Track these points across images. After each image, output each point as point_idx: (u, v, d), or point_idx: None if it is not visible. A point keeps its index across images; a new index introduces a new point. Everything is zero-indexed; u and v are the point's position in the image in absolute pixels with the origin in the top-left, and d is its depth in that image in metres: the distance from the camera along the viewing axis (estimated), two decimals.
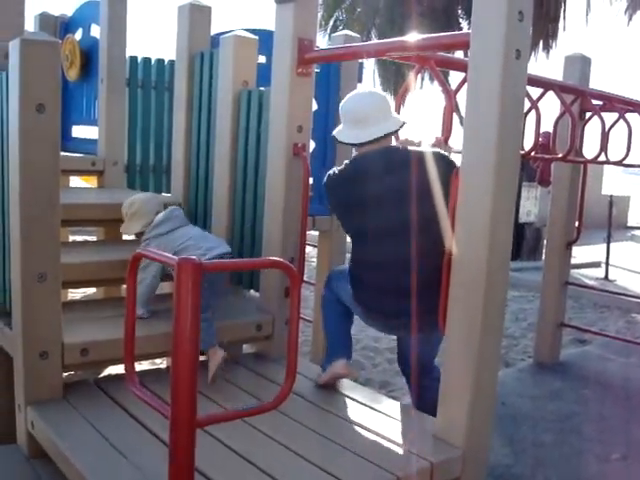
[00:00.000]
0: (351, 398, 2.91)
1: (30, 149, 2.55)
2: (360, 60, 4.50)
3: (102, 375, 3.55)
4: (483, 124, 2.32)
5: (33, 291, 2.62)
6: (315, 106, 4.46)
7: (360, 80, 4.55)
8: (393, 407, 2.85)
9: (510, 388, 4.37)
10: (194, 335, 1.78)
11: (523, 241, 10.27)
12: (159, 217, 3.22)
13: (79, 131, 5.33)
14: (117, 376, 3.07)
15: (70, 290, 4.98)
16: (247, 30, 3.82)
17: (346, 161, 2.90)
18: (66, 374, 2.82)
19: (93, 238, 5.44)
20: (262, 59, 4.24)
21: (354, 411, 2.78)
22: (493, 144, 2.29)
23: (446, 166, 2.67)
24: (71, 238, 5.75)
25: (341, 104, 2.90)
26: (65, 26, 5.23)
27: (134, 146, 4.80)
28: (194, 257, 1.77)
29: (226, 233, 3.62)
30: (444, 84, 2.95)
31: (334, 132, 2.92)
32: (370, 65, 13.45)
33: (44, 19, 5.25)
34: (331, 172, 2.92)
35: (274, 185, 3.30)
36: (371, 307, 2.86)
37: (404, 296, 2.68)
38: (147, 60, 4.77)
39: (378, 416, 2.75)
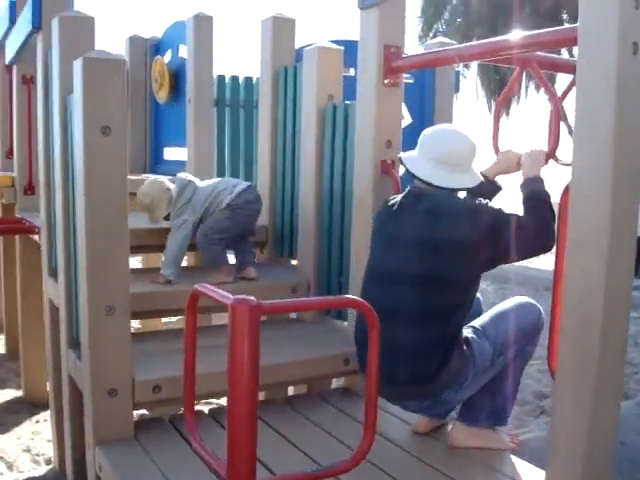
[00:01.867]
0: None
1: (95, 174, 2.40)
2: (457, 68, 4.19)
3: (179, 412, 3.37)
4: (596, 132, 1.95)
5: (101, 324, 2.47)
6: (408, 119, 4.20)
7: (457, 90, 4.23)
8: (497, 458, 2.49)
9: (630, 424, 3.86)
10: (252, 386, 1.53)
11: None
12: (175, 190, 3.33)
13: (171, 154, 5.27)
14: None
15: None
16: (334, 41, 3.59)
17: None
18: (138, 412, 2.65)
19: None
20: (352, 72, 4.00)
21: (456, 463, 2.44)
22: (609, 154, 1.91)
23: (470, 224, 2.34)
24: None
25: (432, 141, 2.50)
26: (155, 48, 5.21)
27: (223, 167, 4.67)
28: (252, 298, 1.53)
29: (313, 258, 3.38)
30: (548, 87, 2.58)
31: (418, 172, 2.47)
32: (472, 76, 12.98)
33: (134, 42, 5.25)
34: (390, 198, 2.63)
35: (361, 206, 3.02)
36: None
37: (401, 357, 2.38)
38: (235, 79, 4.64)
39: (481, 468, 2.40)
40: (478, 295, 2.72)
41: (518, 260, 2.47)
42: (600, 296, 1.98)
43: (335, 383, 3.35)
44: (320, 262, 3.37)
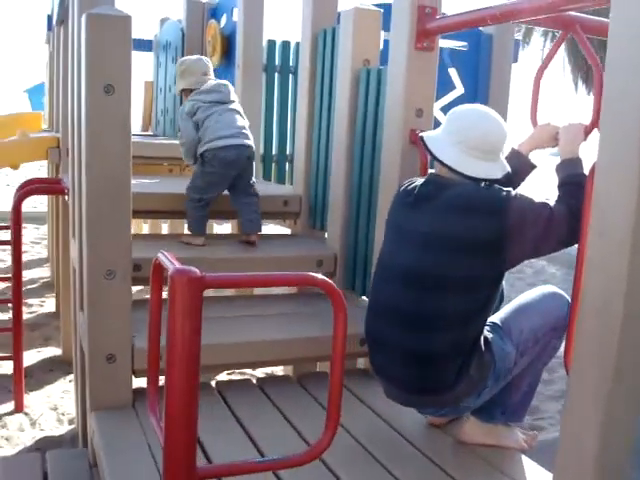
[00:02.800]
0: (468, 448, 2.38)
1: (97, 134, 2.33)
2: (517, 37, 3.89)
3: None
4: (628, 104, 1.69)
5: (100, 288, 2.42)
6: (460, 89, 3.94)
7: (515, 60, 3.92)
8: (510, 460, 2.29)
9: None
10: (191, 366, 1.41)
11: None
12: (209, 84, 3.23)
13: None
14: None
15: None
16: (379, 5, 3.37)
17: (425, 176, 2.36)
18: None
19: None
20: None
21: (459, 460, 2.26)
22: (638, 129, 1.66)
23: (498, 218, 2.08)
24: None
25: (463, 123, 2.23)
26: (212, 12, 5.11)
27: (270, 135, 4.54)
28: (193, 269, 1.40)
29: (341, 231, 3.22)
30: (592, 56, 2.30)
31: (443, 157, 2.21)
32: (561, 53, 12.19)
33: (191, 5, 5.18)
34: (405, 182, 2.40)
35: (388, 177, 2.84)
36: (382, 375, 2.35)
37: (415, 363, 2.18)
38: (285, 44, 4.48)
39: (483, 467, 2.21)
40: None
41: (549, 253, 2.24)
42: (622, 290, 1.75)
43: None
44: (348, 235, 3.21)
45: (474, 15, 2.45)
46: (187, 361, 1.40)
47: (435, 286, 2.12)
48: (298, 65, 4.25)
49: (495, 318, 2.31)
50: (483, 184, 2.17)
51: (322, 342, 2.72)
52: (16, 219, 3.39)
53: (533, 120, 2.57)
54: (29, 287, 5.98)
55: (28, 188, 3.54)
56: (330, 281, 1.57)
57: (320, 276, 1.58)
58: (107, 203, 2.37)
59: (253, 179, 3.29)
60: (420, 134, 2.36)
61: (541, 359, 2.34)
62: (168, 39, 5.62)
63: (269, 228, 4.71)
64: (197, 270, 1.40)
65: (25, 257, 6.71)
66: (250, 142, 3.19)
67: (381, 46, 3.26)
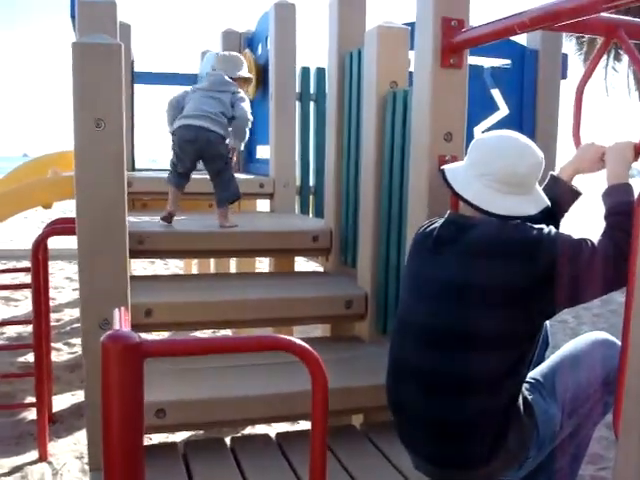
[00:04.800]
0: None
1: (87, 170, 2.17)
2: (564, 52, 3.58)
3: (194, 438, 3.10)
4: None
5: (96, 340, 2.22)
6: (504, 110, 3.65)
7: (564, 76, 3.60)
8: None
9: None
10: (127, 449, 1.18)
11: None
12: (205, 71, 3.57)
13: (264, 152, 5.04)
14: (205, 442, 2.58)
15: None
16: (407, 24, 3.13)
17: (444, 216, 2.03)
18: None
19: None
20: None
21: None
22: None
23: (529, 263, 1.76)
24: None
25: (486, 152, 1.93)
26: (248, 41, 4.99)
27: (307, 166, 4.34)
28: (130, 334, 1.18)
29: (371, 268, 2.96)
30: (639, 62, 1.99)
31: (464, 192, 1.92)
32: (623, 69, 11.54)
33: (228, 36, 5.07)
34: (425, 223, 2.10)
35: (415, 211, 2.56)
36: (407, 445, 2.02)
37: (437, 434, 1.85)
38: (320, 70, 4.28)
39: None
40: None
41: (594, 298, 1.91)
42: None
43: None
44: (379, 273, 2.94)
45: (501, 24, 2.17)
46: (126, 441, 1.17)
47: (454, 345, 1.81)
48: None
49: (536, 373, 1.98)
50: (513, 222, 1.85)
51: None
52: (35, 260, 3.27)
53: (576, 140, 2.27)
54: (74, 326, 5.92)
55: (50, 229, 3.44)
56: (309, 348, 1.30)
57: (298, 341, 1.31)
58: (100, 244, 2.20)
59: (224, 167, 3.37)
60: (442, 166, 2.08)
61: (591, 419, 2.00)
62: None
63: (300, 265, 4.47)
64: (135, 335, 1.18)
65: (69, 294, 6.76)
66: (214, 127, 3.29)
67: (411, 67, 3.01)
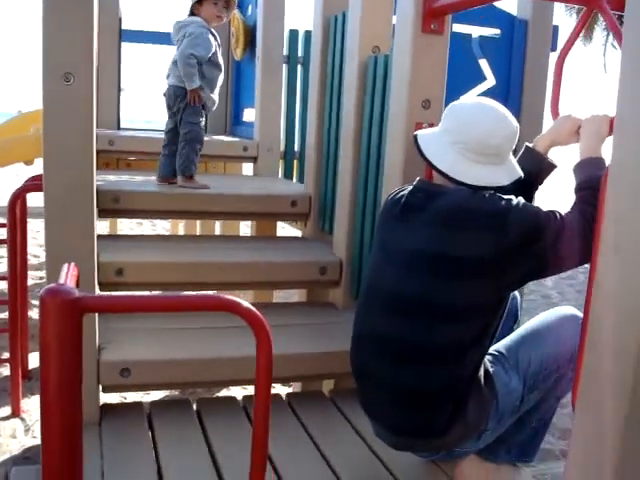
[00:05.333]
0: None
1: (55, 126, 2.13)
2: (555, 23, 3.53)
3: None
4: None
5: None
6: (491, 80, 3.60)
7: (554, 48, 3.54)
8: None
9: None
10: (71, 404, 1.17)
11: None
12: None
13: (251, 115, 4.98)
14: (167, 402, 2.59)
15: None
16: None
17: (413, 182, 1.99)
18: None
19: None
20: None
21: None
22: None
23: (496, 235, 1.74)
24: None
25: (460, 120, 1.89)
26: (239, 3, 4.88)
27: (292, 131, 4.29)
28: (70, 289, 1.16)
29: (347, 235, 2.94)
30: (620, 34, 1.95)
31: (436, 160, 1.89)
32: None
33: None
34: (395, 190, 2.06)
35: (390, 178, 2.54)
36: (369, 412, 2.01)
37: (401, 402, 1.85)
38: (309, 34, 4.19)
39: None
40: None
41: (562, 272, 1.90)
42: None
43: None
44: (354, 240, 2.92)
45: None
46: (63, 399, 1.16)
47: (422, 313, 1.80)
48: None
49: (500, 346, 1.97)
50: (482, 192, 1.83)
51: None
52: (12, 215, 3.24)
53: (554, 112, 2.23)
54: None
55: (28, 184, 3.40)
56: (254, 311, 1.28)
57: (244, 303, 1.29)
58: (66, 202, 2.17)
59: (184, 123, 3.34)
60: (415, 132, 2.04)
61: (554, 394, 2.00)
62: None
63: (280, 230, 4.45)
64: (74, 290, 1.16)
65: None
66: (171, 80, 3.35)
67: None
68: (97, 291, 2.31)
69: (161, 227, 8.25)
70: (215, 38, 3.36)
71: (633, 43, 1.43)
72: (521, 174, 1.94)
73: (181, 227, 6.67)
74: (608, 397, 1.48)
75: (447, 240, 1.78)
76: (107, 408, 2.41)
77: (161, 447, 2.16)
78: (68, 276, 1.29)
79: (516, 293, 2.20)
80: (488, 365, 1.89)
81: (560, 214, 1.78)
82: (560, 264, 1.79)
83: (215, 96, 3.43)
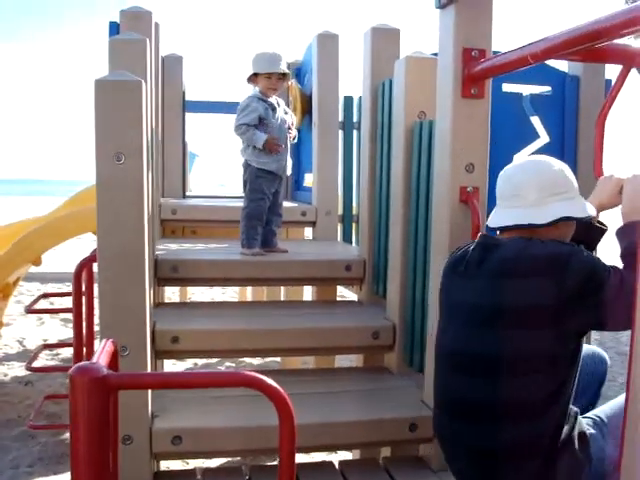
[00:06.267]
0: None
1: (108, 202, 2.24)
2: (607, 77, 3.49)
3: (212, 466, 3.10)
4: None
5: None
6: (545, 138, 3.57)
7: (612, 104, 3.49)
8: None
9: None
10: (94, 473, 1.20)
11: None
12: None
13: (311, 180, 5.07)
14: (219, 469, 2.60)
15: None
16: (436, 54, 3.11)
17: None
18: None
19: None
20: None
21: None
22: None
23: (555, 279, 1.70)
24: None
25: (508, 181, 1.96)
26: (296, 71, 5.05)
27: (350, 194, 4.35)
28: (98, 367, 1.21)
29: (399, 299, 2.93)
30: None
31: (492, 222, 2.00)
32: None
33: None
34: (456, 249, 2.10)
35: (438, 241, 2.53)
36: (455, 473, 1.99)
37: (477, 463, 1.82)
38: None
39: None
40: (603, 354, 2.11)
41: (617, 330, 1.84)
42: None
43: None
44: (406, 304, 2.90)
45: (514, 55, 2.14)
46: (90, 474, 1.20)
47: (488, 369, 1.78)
48: None
49: (599, 412, 1.93)
50: (540, 239, 1.80)
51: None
52: (77, 284, 3.38)
53: (597, 172, 2.21)
54: None
55: (93, 254, 3.55)
56: (276, 385, 1.29)
57: (266, 380, 1.30)
58: (118, 274, 2.26)
59: (245, 199, 3.55)
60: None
61: None
62: None
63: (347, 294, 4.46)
64: (102, 367, 1.21)
65: None
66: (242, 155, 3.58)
67: None
68: (148, 360, 2.36)
69: (232, 291, 8.39)
70: (267, 103, 3.48)
71: None
72: (593, 213, 1.91)
73: (249, 292, 6.77)
74: None
75: (507, 289, 1.77)
76: (160, 476, 2.44)
77: None
78: (101, 353, 1.34)
79: (605, 357, 2.17)
80: (585, 427, 1.84)
81: (619, 270, 1.73)
82: (618, 318, 1.71)
83: (283, 159, 3.57)
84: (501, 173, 1.96)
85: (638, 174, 1.93)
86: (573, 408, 1.84)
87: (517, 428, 1.74)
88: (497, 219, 1.92)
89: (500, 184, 1.94)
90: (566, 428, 1.78)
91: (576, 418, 1.82)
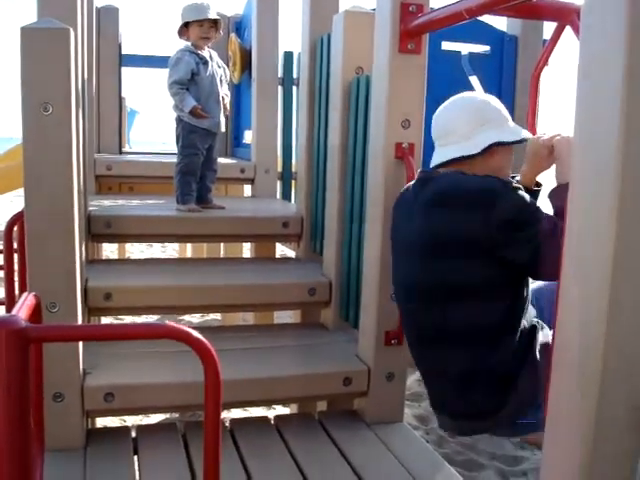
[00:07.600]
0: None
1: (34, 155, 2.16)
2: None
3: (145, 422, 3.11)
4: (602, 104, 1.34)
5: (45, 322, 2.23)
6: None
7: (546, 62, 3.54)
8: None
9: None
10: (17, 439, 1.18)
11: None
12: None
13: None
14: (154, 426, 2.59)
15: None
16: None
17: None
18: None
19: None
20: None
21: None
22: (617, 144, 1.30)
23: (486, 211, 1.74)
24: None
25: (436, 124, 2.03)
26: (236, 25, 4.95)
27: (289, 151, 4.32)
28: (16, 318, 1.18)
29: (335, 256, 2.94)
30: None
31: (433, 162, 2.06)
32: None
33: None
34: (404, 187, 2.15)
35: (373, 197, 2.54)
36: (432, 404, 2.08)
37: (443, 384, 1.90)
38: None
39: None
40: None
41: (539, 279, 1.90)
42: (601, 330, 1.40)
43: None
44: (342, 260, 2.92)
45: (451, 10, 2.13)
46: (11, 429, 1.17)
47: (431, 298, 1.87)
48: None
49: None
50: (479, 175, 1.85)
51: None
52: (8, 242, 3.28)
53: (532, 130, 2.24)
54: None
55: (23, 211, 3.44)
56: (200, 337, 1.29)
57: (191, 331, 1.30)
58: (46, 230, 2.19)
59: (179, 153, 3.47)
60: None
61: None
62: None
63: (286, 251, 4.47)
64: (21, 320, 1.18)
65: None
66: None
67: None
68: (79, 316, 2.32)
69: (171, 249, 8.30)
70: (199, 57, 3.37)
71: (588, 61, 1.41)
72: (528, 135, 1.97)
73: (189, 249, 6.71)
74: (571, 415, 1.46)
75: (433, 223, 1.83)
76: (93, 433, 2.42)
77: (145, 472, 2.16)
78: (22, 306, 1.30)
79: None
80: (549, 337, 1.85)
81: (553, 218, 1.76)
82: (548, 266, 1.70)
83: (216, 115, 3.45)
84: (433, 116, 2.02)
85: (566, 136, 1.94)
86: (533, 322, 1.90)
87: (468, 352, 1.82)
88: (435, 158, 1.98)
89: (433, 126, 2.01)
90: (522, 353, 1.84)
91: (535, 336, 1.86)
